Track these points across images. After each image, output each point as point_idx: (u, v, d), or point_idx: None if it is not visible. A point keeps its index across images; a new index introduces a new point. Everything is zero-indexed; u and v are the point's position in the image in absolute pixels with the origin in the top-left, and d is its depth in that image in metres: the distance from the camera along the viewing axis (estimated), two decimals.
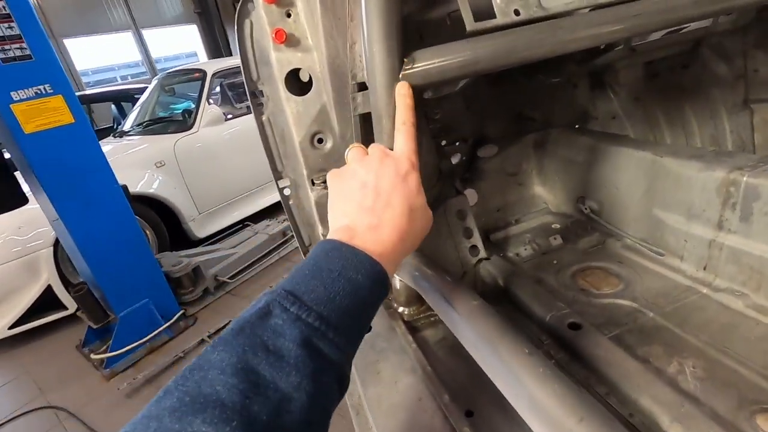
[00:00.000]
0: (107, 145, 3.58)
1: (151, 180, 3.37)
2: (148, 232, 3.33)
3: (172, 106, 4.30)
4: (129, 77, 11.33)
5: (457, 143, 1.20)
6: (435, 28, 0.74)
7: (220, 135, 3.81)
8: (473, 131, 1.21)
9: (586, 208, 1.16)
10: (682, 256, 0.92)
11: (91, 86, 10.29)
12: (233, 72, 4.04)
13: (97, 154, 2.38)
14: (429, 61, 0.57)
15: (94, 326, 2.62)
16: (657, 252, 0.97)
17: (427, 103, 1.03)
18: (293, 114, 0.86)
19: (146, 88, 4.60)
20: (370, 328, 0.86)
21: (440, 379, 0.76)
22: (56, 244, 2.80)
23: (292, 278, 0.40)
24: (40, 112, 2.11)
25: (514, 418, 0.47)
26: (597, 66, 1.21)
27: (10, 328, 2.79)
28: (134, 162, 3.38)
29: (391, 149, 0.55)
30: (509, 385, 0.48)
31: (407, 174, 0.50)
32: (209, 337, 2.64)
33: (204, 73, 3.88)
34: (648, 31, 0.71)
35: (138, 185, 3.24)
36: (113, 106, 5.70)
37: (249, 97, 0.86)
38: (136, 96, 5.16)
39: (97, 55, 10.57)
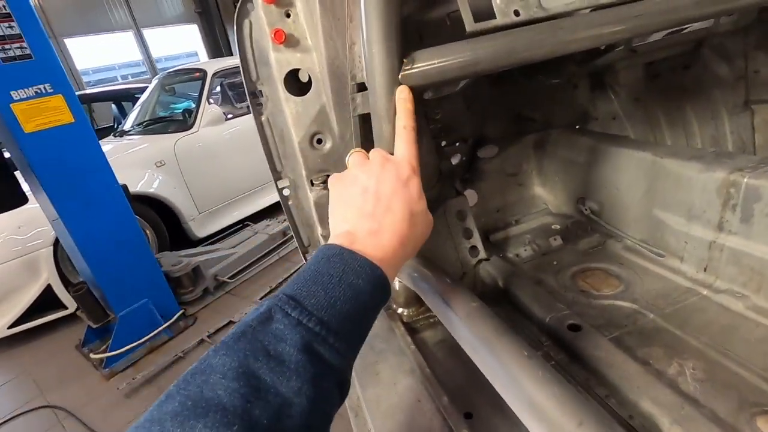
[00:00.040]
0: (107, 145, 3.58)
1: (151, 179, 3.37)
2: (147, 231, 3.33)
3: (172, 106, 4.30)
4: (129, 77, 11.35)
5: (457, 144, 1.20)
6: (435, 28, 0.74)
7: (221, 135, 3.81)
8: (473, 132, 1.21)
9: (586, 209, 1.16)
10: (682, 258, 0.92)
11: (92, 85, 10.31)
12: (233, 72, 4.04)
13: (97, 154, 2.38)
14: (428, 62, 0.56)
15: (94, 326, 2.62)
16: (657, 253, 0.97)
17: (428, 103, 1.03)
18: (292, 114, 0.85)
19: (146, 87, 4.60)
20: None
21: (439, 381, 0.76)
22: (56, 243, 2.80)
23: (293, 283, 0.40)
24: (40, 112, 2.11)
25: (513, 420, 0.47)
26: (597, 66, 1.21)
27: (10, 327, 2.79)
28: (134, 161, 3.38)
29: (391, 152, 0.55)
30: (508, 387, 0.48)
31: (408, 179, 0.50)
32: (209, 337, 2.64)
33: (204, 72, 3.88)
34: (649, 32, 0.71)
35: (138, 185, 3.25)
36: (113, 106, 5.71)
37: (248, 98, 0.86)
38: (136, 95, 5.17)
39: (97, 54, 10.58)
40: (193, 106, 3.86)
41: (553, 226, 1.21)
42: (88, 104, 5.31)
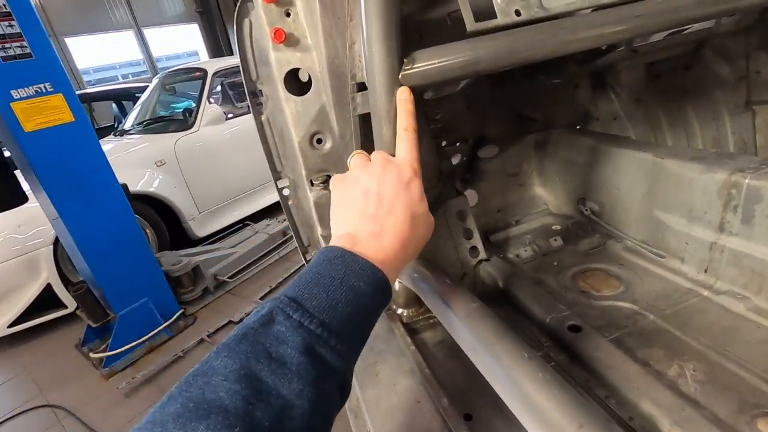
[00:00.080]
0: (108, 144, 3.58)
1: (151, 179, 3.37)
2: (148, 231, 3.33)
3: (172, 105, 4.30)
4: (130, 76, 11.35)
5: (458, 144, 1.19)
6: (435, 28, 0.73)
7: (221, 134, 3.81)
8: (474, 132, 1.21)
9: (586, 210, 1.16)
10: (683, 259, 0.91)
11: (92, 85, 10.31)
12: (234, 71, 4.04)
13: (97, 153, 2.37)
14: (429, 62, 0.56)
15: (94, 325, 2.62)
16: (658, 254, 0.97)
17: (428, 103, 1.03)
18: (292, 114, 0.85)
19: (147, 86, 4.60)
20: None
21: (439, 382, 0.76)
22: (56, 242, 2.80)
23: (294, 285, 0.40)
24: (41, 111, 2.11)
25: (512, 422, 0.47)
26: (599, 67, 1.20)
27: (10, 326, 2.79)
28: (135, 161, 3.38)
29: (391, 151, 0.55)
30: (508, 389, 0.48)
31: (410, 181, 0.50)
32: (208, 336, 2.64)
33: (205, 72, 3.88)
34: (650, 32, 0.71)
35: (138, 184, 3.25)
36: (114, 105, 5.71)
37: (248, 97, 0.85)
38: (136, 95, 5.17)
39: (98, 53, 10.59)
40: (194, 105, 3.86)
41: (553, 227, 1.20)
42: (88, 103, 5.31)
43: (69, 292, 2.73)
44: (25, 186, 2.37)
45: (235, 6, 0.79)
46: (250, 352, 0.34)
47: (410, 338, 0.89)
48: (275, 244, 3.56)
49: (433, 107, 1.08)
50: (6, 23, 1.98)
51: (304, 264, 1.00)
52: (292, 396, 0.33)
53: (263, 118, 0.87)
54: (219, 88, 4.16)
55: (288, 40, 0.80)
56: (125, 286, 2.52)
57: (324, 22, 0.74)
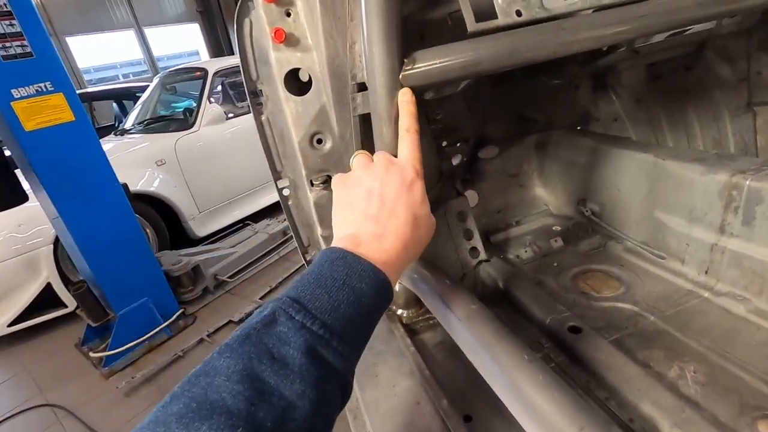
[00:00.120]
0: (108, 143, 3.58)
1: (151, 178, 3.37)
2: (148, 230, 3.33)
3: (173, 105, 4.30)
4: (131, 75, 11.36)
5: (458, 144, 1.19)
6: (436, 28, 0.73)
7: (221, 134, 3.81)
8: (474, 132, 1.21)
9: (587, 211, 1.16)
10: (683, 260, 0.91)
11: (93, 84, 10.32)
12: (234, 71, 4.04)
13: (98, 153, 2.37)
14: (429, 62, 0.56)
15: (94, 324, 2.62)
16: (658, 255, 0.97)
17: (428, 103, 1.03)
18: (292, 114, 0.85)
19: (148, 86, 4.60)
20: None
21: (438, 383, 0.76)
22: (56, 241, 2.80)
23: (297, 286, 0.40)
24: (41, 110, 2.11)
25: (512, 424, 0.47)
26: (599, 67, 1.20)
27: (10, 325, 2.79)
28: (135, 160, 3.38)
29: (392, 152, 0.55)
30: (508, 391, 0.48)
31: (412, 182, 0.50)
32: (208, 336, 2.64)
33: (205, 71, 3.88)
34: (651, 33, 0.71)
35: (138, 183, 3.25)
36: (115, 104, 5.71)
37: (248, 97, 0.85)
38: (137, 94, 5.17)
39: (99, 52, 10.60)
40: (194, 105, 3.86)
41: (553, 228, 1.20)
42: (89, 103, 5.32)
43: (69, 291, 2.73)
44: (26, 185, 2.37)
45: (236, 6, 0.79)
46: (252, 352, 0.34)
47: (410, 339, 0.89)
48: (275, 244, 3.56)
49: (434, 107, 1.08)
50: (7, 22, 1.98)
51: (304, 264, 1.00)
52: (294, 397, 0.33)
53: (263, 117, 0.87)
54: (219, 87, 4.16)
55: (288, 40, 0.80)
56: (125, 285, 2.52)
57: (324, 22, 0.74)
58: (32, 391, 2.50)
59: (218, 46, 12.29)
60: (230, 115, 3.95)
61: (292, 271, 3.26)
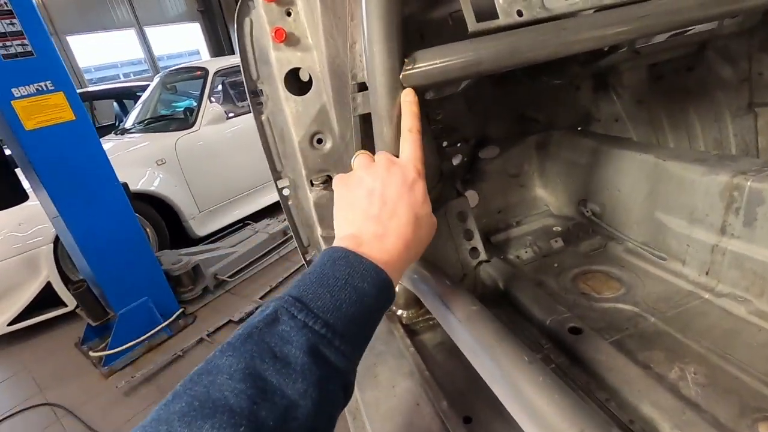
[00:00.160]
0: (108, 143, 3.58)
1: (151, 178, 3.37)
2: (148, 229, 3.33)
3: (173, 104, 4.30)
4: (131, 75, 11.37)
5: (459, 144, 1.19)
6: (437, 28, 0.73)
7: (222, 133, 3.81)
8: (475, 132, 1.21)
9: (587, 211, 1.15)
10: (684, 261, 0.91)
11: (94, 83, 10.32)
12: (235, 70, 4.04)
13: (98, 152, 2.37)
14: (430, 62, 0.56)
15: (93, 324, 2.62)
16: (659, 256, 0.96)
17: (429, 103, 1.02)
18: (292, 114, 0.85)
19: (148, 85, 4.60)
20: None
21: (438, 384, 0.76)
22: (56, 241, 2.80)
23: (299, 285, 0.40)
24: (41, 109, 2.11)
25: (512, 425, 0.47)
26: (601, 68, 1.20)
27: (10, 324, 2.79)
28: (135, 160, 3.38)
29: (392, 152, 0.55)
30: (508, 393, 0.48)
31: (414, 182, 0.50)
32: (208, 335, 2.64)
33: (206, 71, 3.88)
34: (653, 34, 0.70)
35: (139, 183, 3.25)
36: (115, 104, 5.72)
37: (248, 97, 0.85)
38: (138, 93, 5.17)
39: (99, 52, 10.60)
40: (195, 104, 3.86)
41: (554, 228, 1.20)
42: (89, 102, 5.32)
43: (69, 290, 2.73)
44: (26, 184, 2.37)
45: (237, 5, 0.79)
46: (254, 351, 0.34)
47: (410, 340, 0.89)
48: (275, 244, 3.56)
49: (434, 107, 1.08)
50: (7, 21, 1.98)
51: (304, 264, 1.00)
52: (297, 396, 0.33)
53: (263, 117, 0.87)
54: (220, 87, 4.16)
55: (288, 39, 0.80)
56: (125, 284, 2.52)
57: (325, 22, 0.74)
58: (32, 390, 2.50)
59: (219, 45, 12.29)
60: (231, 114, 3.95)
61: (292, 270, 3.25)
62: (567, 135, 1.22)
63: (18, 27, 2.01)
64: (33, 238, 2.75)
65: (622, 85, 1.30)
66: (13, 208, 2.31)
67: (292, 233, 0.99)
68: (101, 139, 2.47)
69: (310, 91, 0.84)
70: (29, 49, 2.05)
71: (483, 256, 1.00)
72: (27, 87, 2.05)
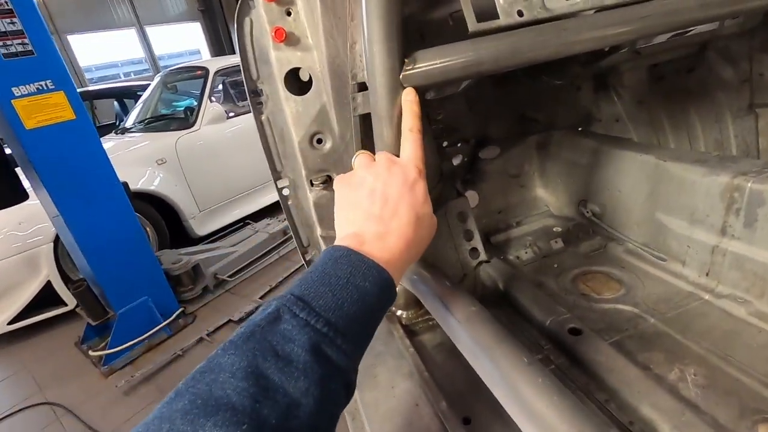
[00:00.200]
0: (109, 142, 3.59)
1: (152, 177, 3.37)
2: (148, 229, 3.33)
3: (174, 104, 4.30)
4: (132, 74, 11.37)
5: (459, 144, 1.19)
6: (437, 28, 0.73)
7: (222, 133, 3.81)
8: (475, 132, 1.20)
9: (588, 212, 1.15)
10: (684, 262, 0.91)
11: (94, 82, 10.32)
12: (235, 70, 4.04)
13: (98, 151, 2.37)
14: (430, 62, 0.56)
15: (93, 323, 2.62)
16: (659, 257, 0.96)
17: (429, 103, 1.02)
18: (292, 114, 0.85)
19: (149, 85, 4.60)
20: None
21: (438, 385, 0.76)
22: (56, 240, 2.80)
23: (300, 284, 0.40)
24: (42, 108, 2.11)
25: (512, 427, 0.47)
26: (601, 68, 1.20)
27: (10, 323, 2.80)
28: (136, 159, 3.38)
29: (393, 152, 0.55)
30: (507, 395, 0.48)
31: (415, 182, 0.50)
32: (208, 335, 2.64)
33: (206, 70, 3.88)
34: (653, 34, 0.70)
35: (139, 182, 3.25)
36: (116, 103, 5.72)
37: (248, 96, 0.85)
38: (138, 93, 5.17)
39: (100, 51, 10.60)
40: (195, 104, 3.86)
41: (554, 229, 1.20)
42: (90, 101, 5.32)
43: (69, 289, 2.73)
44: (26, 183, 2.37)
45: (237, 5, 0.78)
46: (257, 349, 0.34)
47: (409, 340, 0.88)
48: (275, 243, 3.56)
49: (435, 107, 1.08)
50: (8, 20, 1.98)
51: (303, 264, 1.00)
52: (299, 394, 0.33)
53: (263, 117, 0.87)
54: (220, 86, 4.16)
55: (289, 39, 0.79)
56: (125, 284, 2.52)
57: (325, 22, 0.74)
58: (31, 390, 2.50)
59: (219, 45, 12.29)
60: (231, 114, 3.95)
61: (292, 270, 3.25)
62: (567, 135, 1.22)
63: (18, 26, 2.01)
64: (33, 237, 2.75)
65: (622, 85, 1.30)
66: (14, 207, 2.31)
67: (291, 233, 0.99)
68: (101, 139, 2.47)
69: (310, 91, 0.84)
70: (30, 48, 2.05)
71: (483, 256, 1.00)
72: (27, 86, 2.05)
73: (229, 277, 3.19)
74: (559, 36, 0.58)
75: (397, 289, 0.45)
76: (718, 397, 0.64)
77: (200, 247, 3.43)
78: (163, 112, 4.22)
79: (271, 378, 0.33)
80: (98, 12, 10.21)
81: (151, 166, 3.40)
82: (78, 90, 2.29)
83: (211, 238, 3.73)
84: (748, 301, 0.79)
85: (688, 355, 0.73)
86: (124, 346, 2.50)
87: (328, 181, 0.91)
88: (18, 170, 2.38)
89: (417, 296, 0.74)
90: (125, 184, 2.52)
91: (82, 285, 2.50)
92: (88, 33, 10.20)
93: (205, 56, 12.33)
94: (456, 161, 1.20)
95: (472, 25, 0.57)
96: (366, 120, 0.70)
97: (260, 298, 2.98)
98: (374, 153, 0.56)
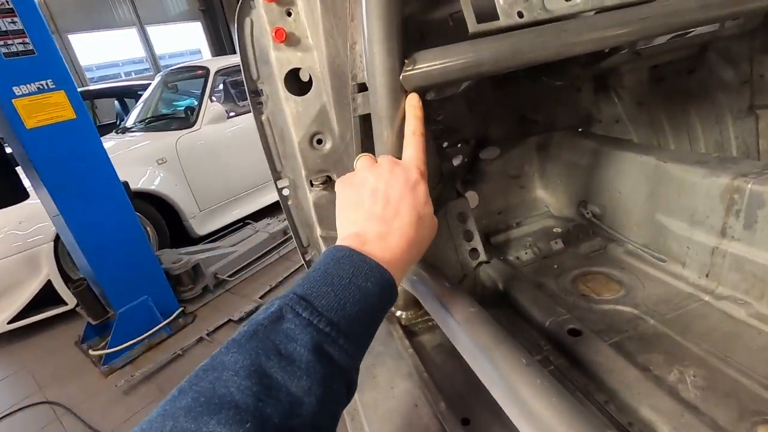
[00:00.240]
0: (109, 141, 3.59)
1: (152, 177, 3.37)
2: (148, 228, 3.33)
3: (174, 103, 4.30)
4: (132, 73, 11.37)
5: (459, 145, 1.19)
6: (437, 29, 0.73)
7: (222, 132, 3.81)
8: (475, 133, 1.20)
9: (588, 213, 1.15)
10: (684, 263, 0.91)
11: (95, 82, 10.33)
12: (236, 70, 4.04)
13: (98, 150, 2.37)
14: (430, 63, 0.56)
15: (93, 322, 2.61)
16: (659, 258, 0.96)
17: (430, 104, 1.02)
18: (292, 114, 0.85)
19: (149, 84, 4.60)
20: None
21: (437, 385, 0.76)
22: (56, 239, 2.80)
23: (303, 283, 0.41)
24: (42, 108, 2.11)
25: (511, 428, 0.47)
26: (601, 69, 1.20)
27: (10, 322, 2.79)
28: (136, 158, 3.38)
29: (392, 152, 0.56)
30: (506, 396, 0.48)
31: (416, 183, 0.51)
32: (208, 335, 2.64)
33: (207, 70, 3.88)
34: (654, 35, 0.70)
35: (139, 182, 3.24)
36: (116, 102, 5.72)
37: (248, 96, 0.85)
38: (139, 92, 5.17)
39: (101, 50, 10.61)
40: (196, 103, 3.86)
41: (554, 229, 1.20)
42: (90, 100, 5.32)
43: (69, 288, 2.73)
44: (26, 183, 2.37)
45: (237, 5, 0.78)
46: (259, 348, 0.34)
47: (408, 341, 0.88)
48: (275, 243, 3.56)
49: (435, 108, 1.08)
50: (8, 20, 1.98)
51: (303, 264, 1.00)
52: (301, 393, 0.33)
53: (263, 117, 0.87)
54: (221, 86, 4.16)
55: (289, 39, 0.79)
56: (125, 283, 2.52)
57: (325, 22, 0.74)
58: (31, 389, 2.50)
59: (220, 44, 12.30)
60: (231, 113, 3.95)
61: (292, 270, 3.25)
62: (568, 136, 1.22)
63: (19, 25, 2.01)
64: (33, 237, 2.75)
65: (623, 86, 1.30)
66: (14, 206, 2.31)
67: (291, 233, 0.99)
68: (102, 138, 2.47)
69: (310, 91, 0.84)
70: (30, 47, 2.04)
71: (483, 257, 1.00)
72: (28, 85, 2.05)
73: (229, 276, 3.19)
74: (559, 37, 0.58)
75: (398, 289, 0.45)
76: (718, 399, 0.64)
77: (200, 246, 3.43)
78: (164, 111, 4.21)
79: (273, 377, 0.33)
80: (99, 11, 10.21)
81: (151, 165, 3.39)
82: (78, 89, 2.29)
83: (211, 238, 3.73)
84: (748, 303, 0.79)
85: (688, 357, 0.73)
86: (124, 345, 2.50)
87: (327, 182, 0.91)
88: (18, 169, 2.37)
89: (416, 297, 0.74)
90: (125, 184, 2.52)
91: (82, 284, 2.50)
92: (89, 32, 10.21)
93: (205, 56, 12.33)
94: (456, 162, 1.20)
95: (472, 26, 0.57)
96: (366, 120, 0.70)
97: (260, 297, 2.98)
98: (374, 153, 0.57)
